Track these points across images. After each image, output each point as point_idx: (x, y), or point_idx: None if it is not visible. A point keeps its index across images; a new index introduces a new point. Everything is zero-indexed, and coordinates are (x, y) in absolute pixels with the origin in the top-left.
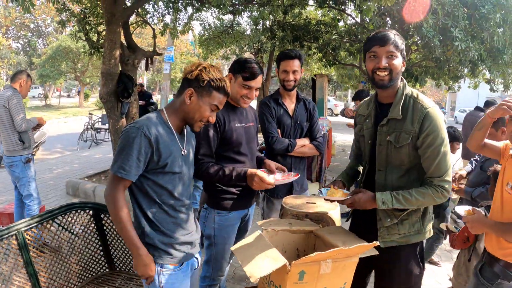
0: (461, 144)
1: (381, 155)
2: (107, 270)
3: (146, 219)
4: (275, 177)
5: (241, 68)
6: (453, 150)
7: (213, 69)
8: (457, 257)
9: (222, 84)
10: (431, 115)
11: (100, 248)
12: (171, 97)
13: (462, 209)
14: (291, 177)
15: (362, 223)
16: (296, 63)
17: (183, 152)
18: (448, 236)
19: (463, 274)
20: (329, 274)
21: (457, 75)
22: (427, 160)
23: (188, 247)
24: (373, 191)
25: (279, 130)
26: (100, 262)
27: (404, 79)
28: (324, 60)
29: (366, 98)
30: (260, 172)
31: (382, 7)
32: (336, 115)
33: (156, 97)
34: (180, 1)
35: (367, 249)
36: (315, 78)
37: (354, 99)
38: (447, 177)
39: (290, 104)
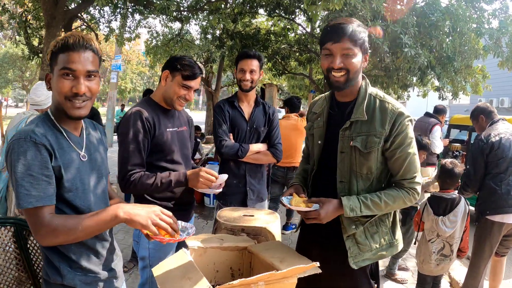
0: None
1: (343, 163)
2: None
3: (60, 256)
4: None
5: (181, 66)
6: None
7: (55, 40)
8: (418, 245)
9: (65, 39)
10: (402, 115)
11: (24, 269)
12: (117, 108)
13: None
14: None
15: (322, 240)
16: (254, 63)
17: (82, 157)
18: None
19: (422, 254)
20: None
21: (406, 83)
22: (396, 161)
23: (113, 282)
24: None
25: (231, 134)
26: (25, 284)
27: (366, 77)
28: (273, 69)
29: (321, 95)
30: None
31: (331, 13)
32: None
33: (104, 108)
34: (124, 6)
35: (304, 270)
36: (264, 87)
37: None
38: (418, 179)
39: (246, 108)
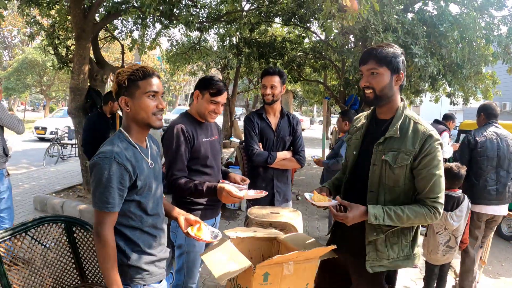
0: None
1: (374, 175)
2: (79, 282)
3: (126, 241)
4: (247, 193)
5: (208, 85)
6: None
7: (125, 68)
8: (426, 238)
9: (142, 70)
10: (432, 138)
11: (72, 260)
12: None
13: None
14: (259, 194)
15: (347, 245)
16: (274, 79)
17: (150, 165)
18: None
19: (431, 246)
20: (291, 276)
21: (418, 89)
22: (422, 180)
23: (167, 262)
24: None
25: (260, 144)
26: (72, 274)
27: (404, 100)
28: (289, 76)
29: (364, 112)
30: (228, 187)
31: (345, 26)
32: (303, 129)
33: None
34: (149, 18)
35: (324, 252)
36: None
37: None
38: (441, 199)
39: (273, 119)
